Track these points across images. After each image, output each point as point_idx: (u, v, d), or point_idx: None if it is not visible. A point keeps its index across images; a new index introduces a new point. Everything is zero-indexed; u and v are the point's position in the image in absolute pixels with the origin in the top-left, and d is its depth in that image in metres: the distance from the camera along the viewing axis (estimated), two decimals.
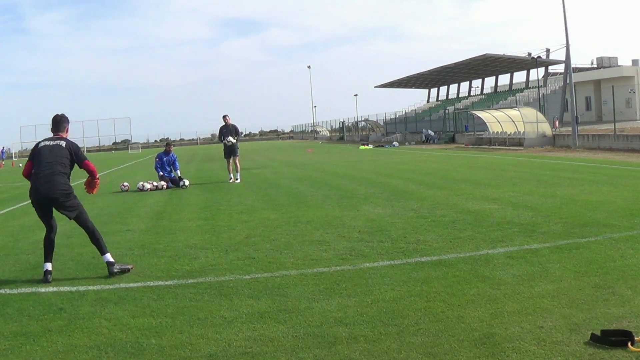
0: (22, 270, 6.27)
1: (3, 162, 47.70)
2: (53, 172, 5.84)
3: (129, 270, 5.87)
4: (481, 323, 3.92)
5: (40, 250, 7.26)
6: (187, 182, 15.41)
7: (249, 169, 21.52)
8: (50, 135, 6.32)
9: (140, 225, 9.05)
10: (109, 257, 5.85)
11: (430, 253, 6.07)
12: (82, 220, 6.04)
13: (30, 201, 6.07)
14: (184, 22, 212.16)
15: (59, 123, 6.32)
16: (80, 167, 6.18)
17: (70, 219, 6.01)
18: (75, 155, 6.07)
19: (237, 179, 15.92)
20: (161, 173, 15.73)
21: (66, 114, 6.48)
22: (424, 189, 11.92)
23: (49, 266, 5.73)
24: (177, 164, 15.99)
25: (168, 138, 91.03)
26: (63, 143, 6.07)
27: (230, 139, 15.85)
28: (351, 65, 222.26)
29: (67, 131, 6.37)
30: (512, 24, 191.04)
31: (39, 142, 6.21)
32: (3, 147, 59.25)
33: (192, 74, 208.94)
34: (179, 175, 15.73)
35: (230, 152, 16.04)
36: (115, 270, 5.76)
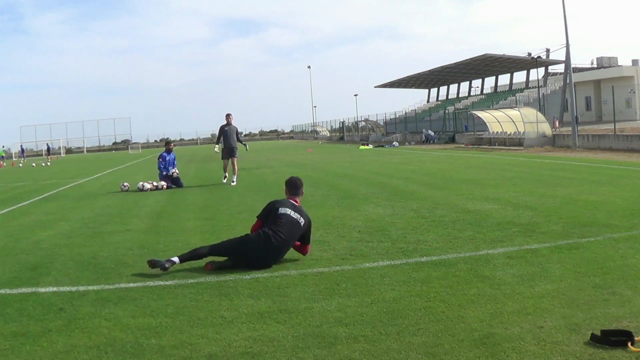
0: (22, 270, 6.26)
1: (4, 163, 47.69)
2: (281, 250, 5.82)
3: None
4: (481, 323, 3.92)
5: (41, 250, 7.29)
6: (176, 172, 15.54)
7: (249, 169, 21.51)
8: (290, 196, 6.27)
9: (140, 225, 9.05)
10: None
11: (430, 253, 6.07)
12: None
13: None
14: (184, 22, 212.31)
15: (298, 187, 6.31)
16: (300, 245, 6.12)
17: None
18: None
19: (232, 182, 15.41)
20: (165, 173, 15.68)
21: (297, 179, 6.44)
22: (424, 189, 11.92)
23: (176, 259, 5.74)
24: (175, 163, 15.99)
25: (168, 138, 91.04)
26: (302, 222, 5.97)
27: (217, 148, 15.87)
28: (351, 65, 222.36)
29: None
30: (512, 24, 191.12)
31: (278, 204, 6.07)
32: (22, 145, 59.42)
33: (192, 74, 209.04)
34: (175, 171, 15.72)
35: (229, 152, 15.70)
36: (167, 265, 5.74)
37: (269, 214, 5.99)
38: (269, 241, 5.72)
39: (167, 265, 5.70)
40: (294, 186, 6.38)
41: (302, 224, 5.96)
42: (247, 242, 5.79)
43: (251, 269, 5.62)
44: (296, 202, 6.24)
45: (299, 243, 6.07)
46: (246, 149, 16.95)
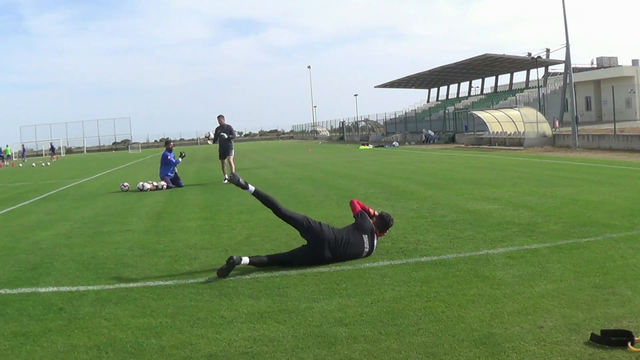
0: (22, 270, 6.26)
1: (3, 163, 47.67)
2: None
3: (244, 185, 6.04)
4: (481, 323, 3.92)
5: (41, 250, 7.30)
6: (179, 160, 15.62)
7: (249, 169, 21.52)
8: None
9: (140, 225, 9.05)
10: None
11: (430, 253, 6.07)
12: None
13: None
14: (184, 22, 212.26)
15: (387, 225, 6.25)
16: None
17: None
18: None
19: (225, 179, 15.51)
20: (170, 175, 15.69)
21: None
22: (424, 189, 11.92)
23: (246, 260, 5.65)
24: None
25: (168, 138, 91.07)
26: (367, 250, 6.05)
27: (224, 134, 15.78)
28: (351, 65, 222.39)
29: None
30: (512, 24, 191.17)
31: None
32: (23, 145, 59.42)
33: (192, 74, 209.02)
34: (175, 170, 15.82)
35: (224, 152, 15.90)
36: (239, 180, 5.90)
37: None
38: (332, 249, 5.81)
39: (235, 259, 5.53)
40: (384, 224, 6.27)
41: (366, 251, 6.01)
42: (309, 253, 5.86)
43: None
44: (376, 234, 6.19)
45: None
46: (226, 137, 16.30)
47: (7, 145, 52.13)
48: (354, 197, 11.04)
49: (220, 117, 16.02)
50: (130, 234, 8.28)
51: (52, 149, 61.13)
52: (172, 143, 16.67)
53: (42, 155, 66.88)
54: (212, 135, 16.36)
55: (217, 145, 16.54)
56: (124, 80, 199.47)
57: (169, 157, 15.84)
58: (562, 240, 6.31)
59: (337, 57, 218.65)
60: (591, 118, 45.78)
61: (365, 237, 5.98)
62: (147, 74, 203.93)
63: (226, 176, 15.70)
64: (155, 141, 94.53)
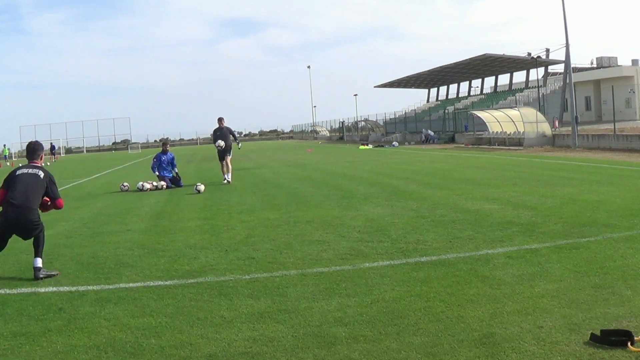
0: (21, 270, 6.26)
1: (6, 162, 47.67)
2: (24, 205, 5.83)
3: (54, 275, 5.81)
4: (481, 323, 3.92)
5: None
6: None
7: (248, 169, 21.52)
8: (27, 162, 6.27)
9: (140, 225, 9.05)
10: (39, 261, 5.83)
11: (430, 253, 6.07)
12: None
13: None
14: (184, 22, 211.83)
15: (34, 151, 6.26)
16: (50, 203, 6.17)
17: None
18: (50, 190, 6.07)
19: (225, 180, 15.50)
20: (156, 173, 15.75)
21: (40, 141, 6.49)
22: (424, 189, 11.92)
23: None
24: (175, 163, 16.01)
25: (167, 138, 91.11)
26: (41, 174, 6.04)
27: (221, 142, 15.64)
28: (351, 65, 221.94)
29: (41, 158, 6.34)
30: (512, 24, 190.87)
31: (16, 170, 6.14)
32: (51, 143, 59.36)
33: (192, 74, 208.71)
34: (176, 171, 15.74)
35: (223, 154, 15.88)
36: (41, 275, 5.73)
37: (9, 183, 5.98)
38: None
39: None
40: (29, 150, 6.27)
41: (41, 176, 5.99)
42: None
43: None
44: (36, 164, 6.20)
45: (47, 200, 6.12)
46: (239, 148, 16.85)
47: (4, 145, 52.02)
48: (352, 198, 11.06)
49: (220, 120, 15.99)
50: (130, 234, 8.28)
51: (52, 148, 61.04)
52: (167, 146, 16.61)
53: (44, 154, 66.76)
54: (222, 143, 16.01)
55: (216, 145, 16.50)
56: (124, 80, 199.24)
57: (154, 159, 15.91)
58: (562, 240, 6.32)
59: (337, 57, 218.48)
60: (591, 118, 45.78)
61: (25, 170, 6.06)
62: (147, 74, 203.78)
63: (226, 177, 15.70)
64: (155, 141, 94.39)
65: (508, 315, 4.05)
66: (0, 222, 5.84)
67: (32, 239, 6.01)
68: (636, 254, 5.57)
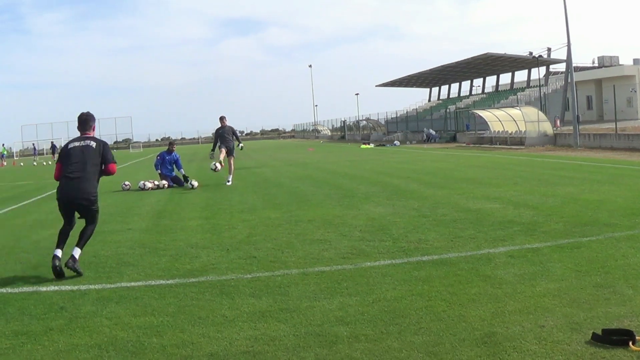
0: (23, 269, 6.27)
1: (4, 162, 47.69)
2: (83, 176, 5.87)
3: (80, 274, 5.76)
4: (482, 322, 3.92)
5: (42, 249, 7.30)
6: (195, 184, 14.80)
7: (250, 168, 21.52)
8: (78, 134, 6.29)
9: (142, 224, 9.06)
10: (78, 251, 5.83)
11: (431, 252, 6.07)
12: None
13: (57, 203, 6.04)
14: (184, 22, 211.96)
15: (86, 122, 6.27)
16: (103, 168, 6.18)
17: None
18: (103, 157, 6.09)
19: (228, 181, 15.33)
20: (159, 171, 15.78)
21: (91, 112, 6.41)
22: (425, 188, 11.92)
23: (58, 252, 5.72)
24: (180, 163, 16.01)
25: (170, 137, 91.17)
26: (93, 144, 6.07)
27: (218, 165, 15.61)
28: (352, 64, 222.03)
29: (93, 129, 6.36)
30: (513, 24, 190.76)
31: (68, 143, 6.18)
32: (34, 144, 59.16)
33: (193, 74, 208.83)
34: (183, 173, 15.72)
35: (226, 153, 15.77)
36: (74, 266, 5.69)
37: (64, 157, 6.05)
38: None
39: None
40: (80, 121, 6.27)
41: (93, 145, 6.03)
42: None
43: None
44: (88, 135, 6.21)
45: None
46: (240, 148, 16.86)
47: (2, 145, 51.99)
48: (353, 197, 11.06)
49: (222, 118, 15.94)
50: (131, 232, 8.29)
51: (54, 148, 61.02)
52: (174, 145, 16.66)
53: (43, 154, 66.84)
54: (218, 166, 15.91)
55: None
56: (125, 79, 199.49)
57: (158, 157, 15.93)
58: (563, 240, 6.31)
59: (337, 56, 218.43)
60: (592, 117, 45.74)
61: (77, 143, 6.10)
62: (148, 74, 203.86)
63: (229, 179, 15.64)
64: (157, 140, 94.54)
65: (509, 314, 4.05)
66: (59, 197, 5.92)
67: (82, 227, 6.03)
68: (637, 253, 5.56)
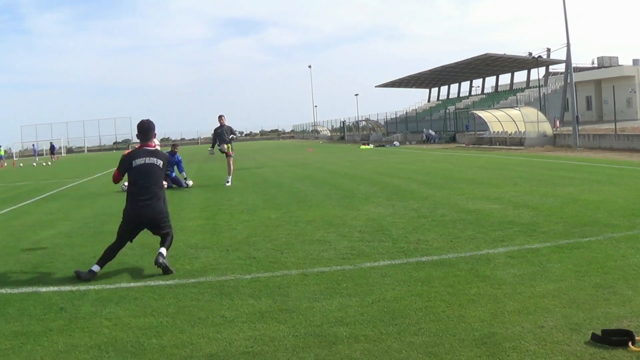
0: (23, 269, 6.27)
1: (5, 163, 47.68)
2: (153, 197, 5.90)
3: (171, 272, 5.70)
4: (482, 323, 3.92)
5: (42, 249, 7.31)
6: (190, 183, 15.33)
7: (249, 169, 21.52)
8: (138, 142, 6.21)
9: None
10: (164, 251, 5.85)
11: (431, 253, 6.07)
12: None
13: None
14: (184, 22, 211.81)
15: (148, 130, 6.17)
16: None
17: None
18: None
19: (227, 182, 15.35)
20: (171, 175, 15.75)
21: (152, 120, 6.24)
22: (425, 189, 11.92)
23: (96, 268, 5.66)
24: (182, 166, 16.02)
25: (169, 138, 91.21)
26: (160, 162, 6.04)
27: (225, 146, 15.57)
28: (351, 65, 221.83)
29: (154, 137, 6.32)
30: (512, 24, 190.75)
31: (132, 156, 6.01)
32: (34, 145, 58.86)
33: (193, 74, 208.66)
34: (185, 176, 15.74)
35: (225, 155, 15.82)
36: (165, 262, 5.69)
37: (130, 172, 5.97)
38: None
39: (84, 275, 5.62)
40: (141, 131, 6.17)
41: (160, 165, 6.02)
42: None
43: None
44: (150, 146, 6.16)
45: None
46: (230, 139, 16.51)
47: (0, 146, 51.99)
48: (353, 198, 11.05)
49: (220, 117, 15.95)
50: None
51: (52, 148, 61.02)
52: (177, 147, 16.69)
53: (42, 154, 66.88)
54: (212, 150, 16.12)
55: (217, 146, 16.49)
56: (124, 79, 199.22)
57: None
58: (563, 240, 6.31)
59: (337, 56, 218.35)
60: (592, 118, 45.78)
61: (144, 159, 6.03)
62: (148, 74, 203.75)
63: (228, 179, 15.62)
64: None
65: (509, 315, 4.05)
66: (129, 219, 5.86)
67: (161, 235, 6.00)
68: (637, 253, 5.56)
